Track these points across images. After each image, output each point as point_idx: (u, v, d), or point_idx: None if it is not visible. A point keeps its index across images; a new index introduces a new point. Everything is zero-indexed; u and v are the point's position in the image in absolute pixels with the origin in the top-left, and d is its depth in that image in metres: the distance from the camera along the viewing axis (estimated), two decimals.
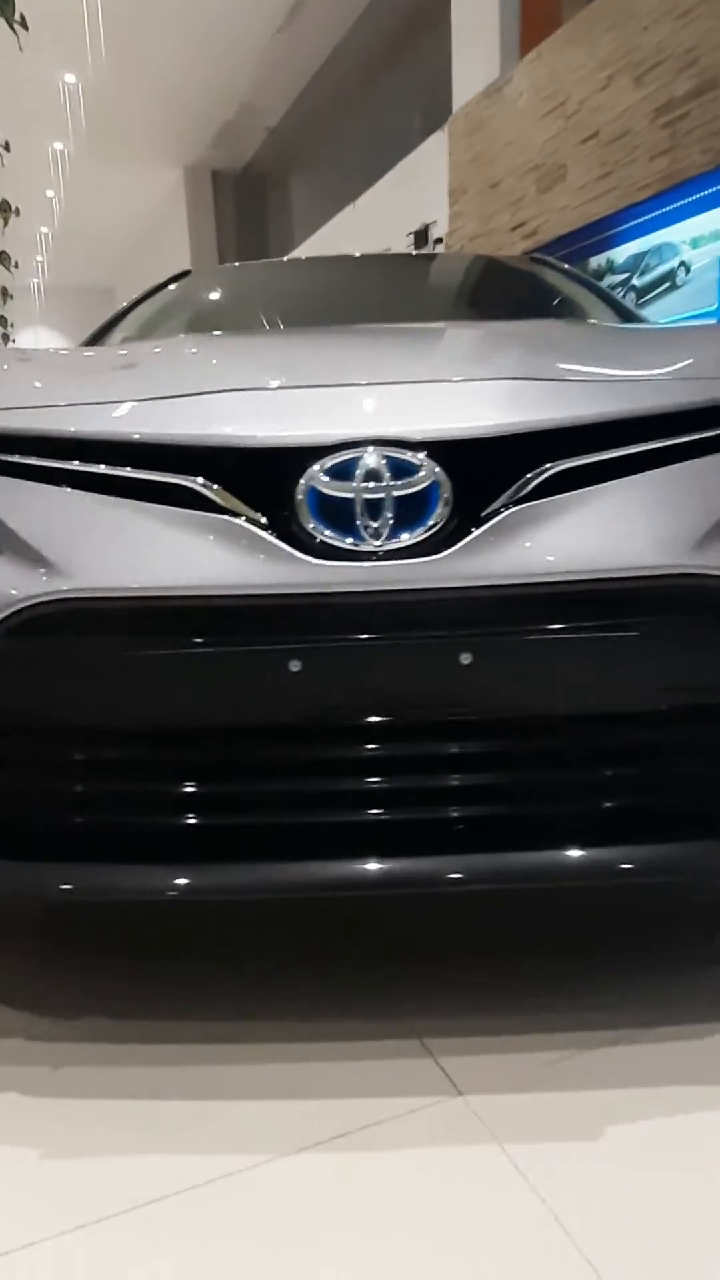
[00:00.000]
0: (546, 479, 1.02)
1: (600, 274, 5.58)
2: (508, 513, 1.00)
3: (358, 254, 3.61)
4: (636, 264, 5.31)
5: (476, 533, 0.99)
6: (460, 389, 1.09)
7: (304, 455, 1.00)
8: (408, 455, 1.00)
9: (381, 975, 1.34)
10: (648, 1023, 1.22)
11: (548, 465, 1.02)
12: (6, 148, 9.20)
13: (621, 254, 5.41)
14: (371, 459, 1.00)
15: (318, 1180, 0.98)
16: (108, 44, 9.94)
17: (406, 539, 0.99)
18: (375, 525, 0.99)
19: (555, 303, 2.71)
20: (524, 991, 1.29)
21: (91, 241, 17.08)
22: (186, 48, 10.67)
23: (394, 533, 0.99)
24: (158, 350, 1.42)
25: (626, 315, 2.46)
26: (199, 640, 0.99)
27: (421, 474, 1.00)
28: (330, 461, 1.00)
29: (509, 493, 1.01)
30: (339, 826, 1.01)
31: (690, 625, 1.03)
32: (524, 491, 1.02)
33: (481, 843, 1.01)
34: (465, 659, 0.99)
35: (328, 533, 0.99)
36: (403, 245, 7.89)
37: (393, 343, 1.43)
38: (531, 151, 6.09)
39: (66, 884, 1.02)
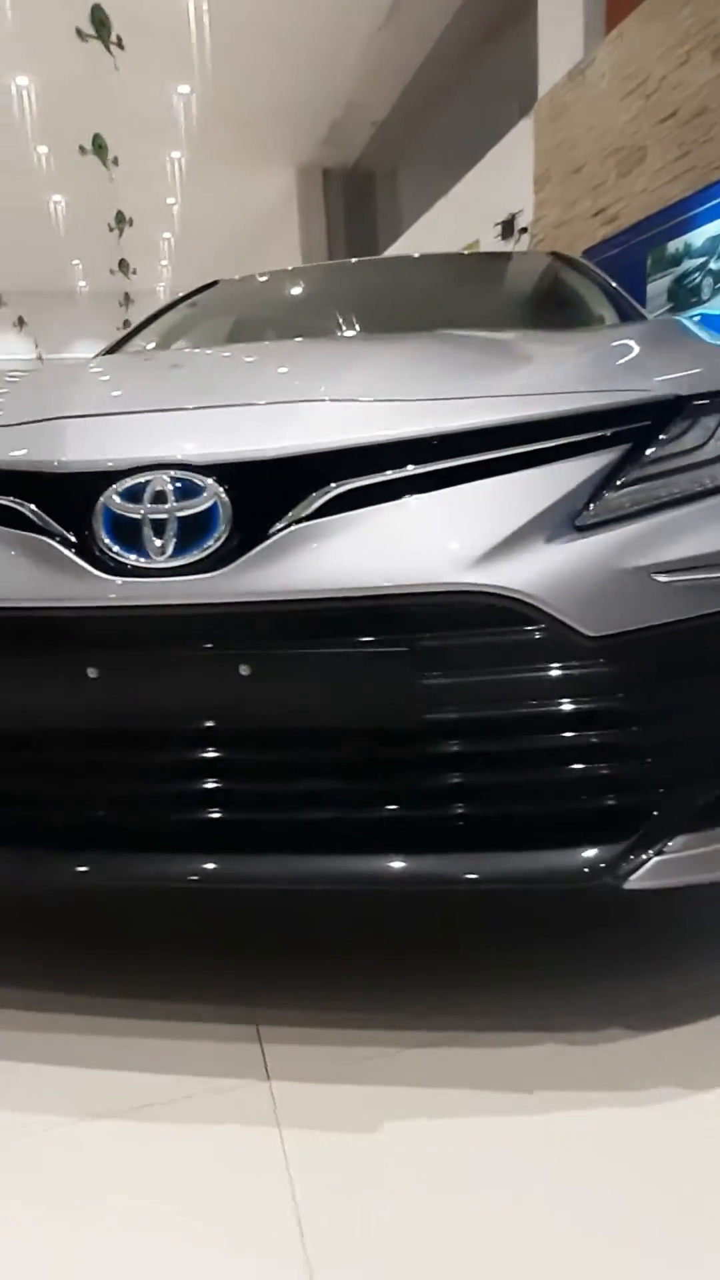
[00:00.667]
0: (331, 499, 1.07)
1: (678, 258, 5.37)
2: (286, 532, 1.06)
3: (382, 257, 3.65)
4: (714, 247, 5.08)
5: (253, 551, 1.05)
6: (260, 412, 1.14)
7: (102, 478, 1.09)
8: (193, 478, 1.07)
9: (234, 964, 1.42)
10: (474, 1027, 1.24)
11: (331, 486, 1.06)
12: (116, 163, 9.71)
13: (699, 237, 5.18)
14: (158, 482, 1.07)
15: (103, 1147, 1.07)
16: (216, 54, 10.24)
17: (189, 557, 1.06)
18: (159, 543, 1.06)
19: (561, 302, 2.69)
20: (368, 988, 1.34)
21: (210, 245, 17.60)
22: (292, 51, 10.86)
23: (178, 551, 1.06)
24: (25, 378, 1.53)
25: (626, 314, 2.42)
26: (8, 650, 1.10)
27: (203, 495, 1.06)
28: (124, 484, 1.08)
29: (291, 513, 1.06)
30: (130, 825, 1.10)
31: (463, 641, 1.05)
32: (307, 511, 1.06)
33: (257, 846, 1.07)
34: (244, 671, 1.05)
35: (119, 551, 1.07)
36: (491, 236, 7.81)
37: (250, 364, 1.49)
38: (612, 134, 5.91)
39: None
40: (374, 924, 1.51)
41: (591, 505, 1.11)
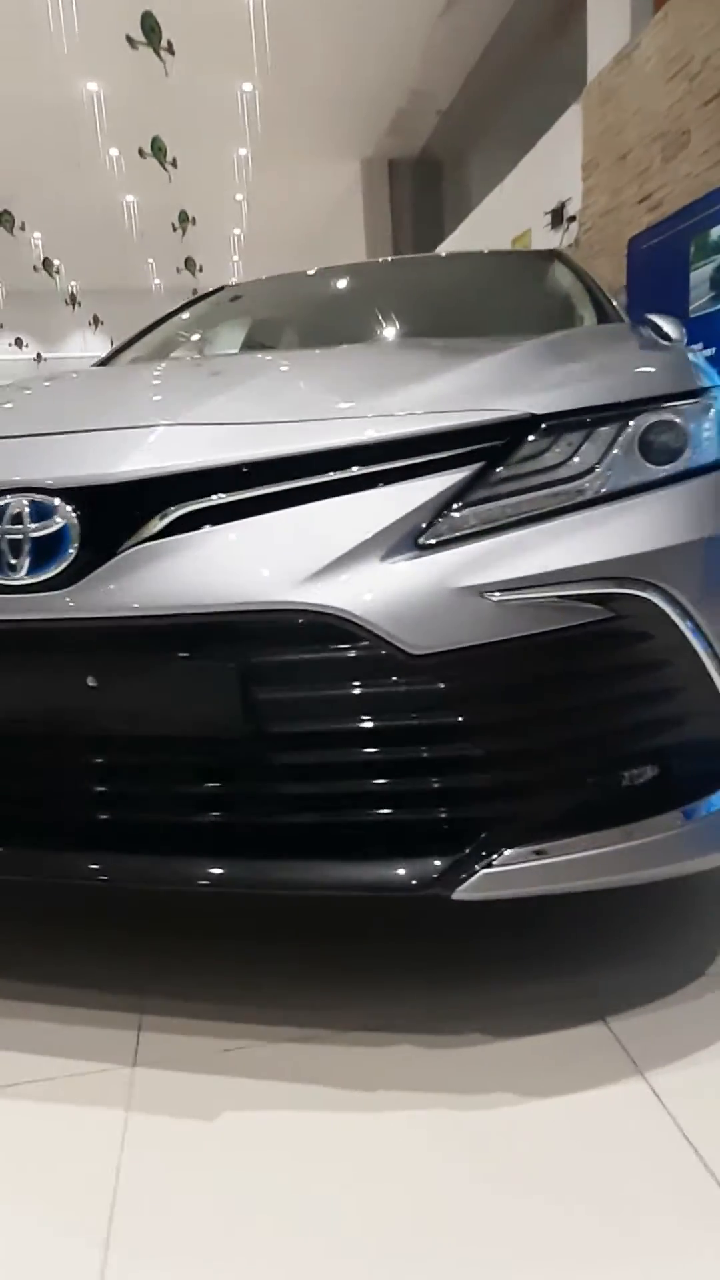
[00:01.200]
0: (174, 520, 1.12)
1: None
2: (130, 551, 1.12)
3: (381, 260, 3.67)
4: None
5: (97, 570, 1.11)
6: (112, 436, 1.20)
7: None
8: (46, 500, 1.14)
9: (128, 953, 1.50)
10: (340, 1025, 1.29)
11: (173, 508, 1.12)
12: (174, 164, 9.91)
13: None
14: (16, 504, 1.14)
15: None
16: (276, 49, 10.30)
17: (43, 574, 1.13)
18: (15, 562, 1.14)
19: (547, 303, 2.68)
20: (250, 982, 1.40)
21: (279, 239, 17.75)
22: (353, 42, 10.87)
23: (33, 569, 1.13)
24: None
25: (606, 315, 2.41)
26: None
27: (55, 517, 1.13)
28: None
29: (137, 533, 1.12)
30: None
31: (293, 656, 1.10)
32: (150, 532, 1.12)
33: (94, 844, 1.15)
34: (91, 682, 1.12)
35: None
36: (541, 225, 7.70)
37: (122, 390, 1.56)
38: (657, 119, 5.75)
39: None
40: (269, 923, 1.57)
41: (435, 524, 1.13)
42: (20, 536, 1.14)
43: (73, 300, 16.84)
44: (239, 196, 15.93)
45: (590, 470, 1.19)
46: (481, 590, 1.09)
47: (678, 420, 1.25)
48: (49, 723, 1.17)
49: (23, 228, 12.96)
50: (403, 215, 15.28)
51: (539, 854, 1.11)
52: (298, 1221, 0.98)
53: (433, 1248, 0.94)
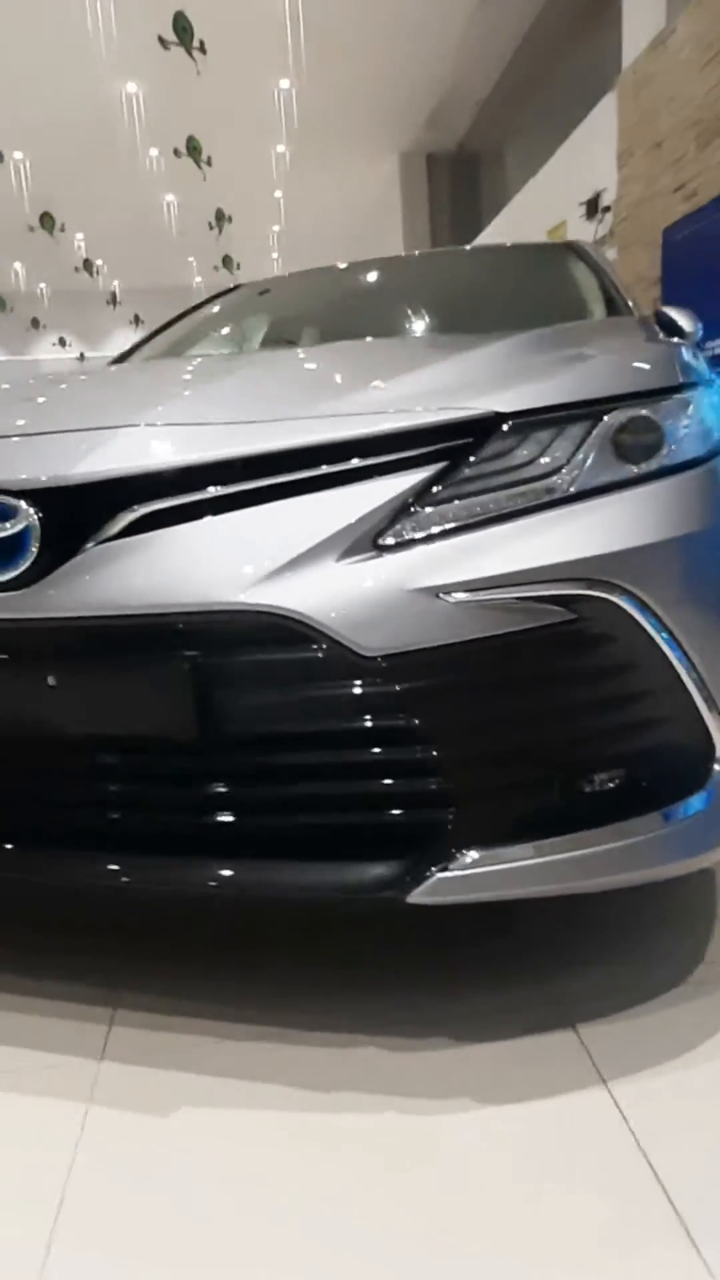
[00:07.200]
0: (135, 520, 1.13)
1: None
2: (89, 552, 1.12)
3: (394, 256, 3.65)
4: None
5: (56, 571, 1.12)
6: (77, 438, 1.20)
7: None
8: (9, 501, 1.15)
9: (101, 948, 1.51)
10: (307, 1025, 1.29)
11: (134, 507, 1.13)
12: (209, 163, 9.96)
13: None
14: None
15: None
16: (312, 46, 10.28)
17: (7, 574, 1.14)
18: None
19: (557, 296, 2.64)
20: (220, 978, 1.41)
21: (319, 235, 17.74)
22: (389, 36, 10.81)
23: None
24: None
25: (616, 308, 2.37)
26: None
27: (18, 517, 1.14)
28: None
29: (98, 533, 1.13)
30: None
31: (246, 657, 1.10)
32: (110, 532, 1.13)
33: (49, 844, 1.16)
34: (51, 681, 1.13)
35: None
36: (577, 216, 7.59)
37: (96, 390, 1.57)
38: (693, 106, 5.63)
39: None
40: (242, 922, 1.57)
41: (395, 525, 1.12)
42: None
43: (114, 300, 17.06)
44: (277, 194, 15.95)
45: (558, 469, 1.17)
46: (437, 591, 1.07)
47: (653, 417, 1.23)
48: (14, 724, 1.18)
49: (63, 229, 13.11)
50: (440, 209, 15.18)
51: (497, 859, 1.10)
52: (250, 1218, 0.98)
53: (382, 1245, 0.93)
